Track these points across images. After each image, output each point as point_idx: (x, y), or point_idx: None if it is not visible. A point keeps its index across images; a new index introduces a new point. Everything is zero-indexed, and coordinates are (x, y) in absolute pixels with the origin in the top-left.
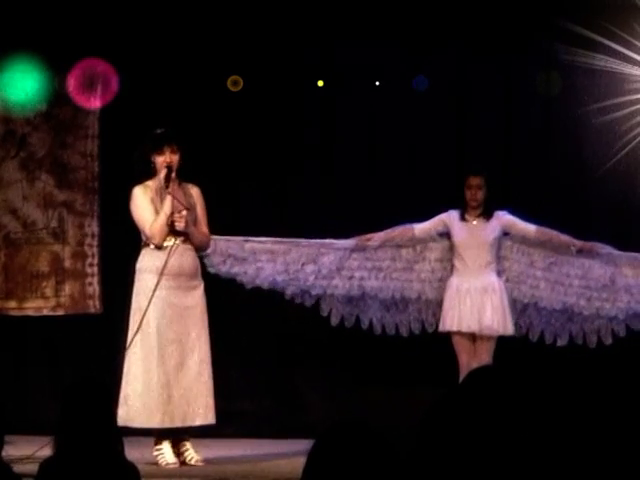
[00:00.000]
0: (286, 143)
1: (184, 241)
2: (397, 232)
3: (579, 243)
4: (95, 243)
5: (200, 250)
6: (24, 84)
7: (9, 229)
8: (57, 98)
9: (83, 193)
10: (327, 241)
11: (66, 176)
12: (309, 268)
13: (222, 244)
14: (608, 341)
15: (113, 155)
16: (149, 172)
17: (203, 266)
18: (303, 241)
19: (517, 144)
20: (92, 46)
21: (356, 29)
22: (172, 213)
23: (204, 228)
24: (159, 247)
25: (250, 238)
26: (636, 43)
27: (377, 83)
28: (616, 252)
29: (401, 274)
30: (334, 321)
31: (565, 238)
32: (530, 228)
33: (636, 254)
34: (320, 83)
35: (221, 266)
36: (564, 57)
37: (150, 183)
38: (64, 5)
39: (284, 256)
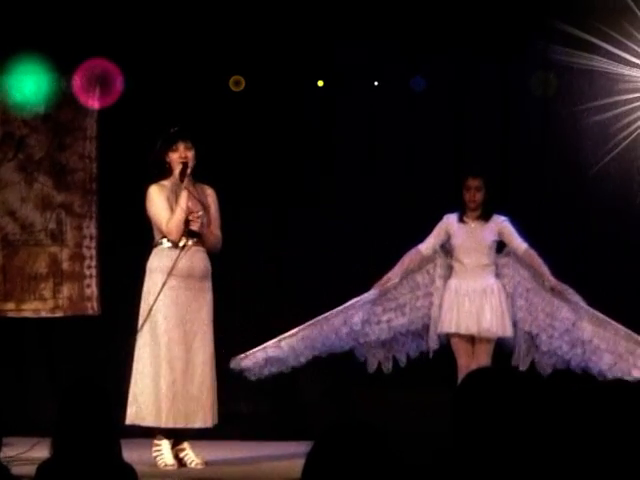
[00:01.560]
0: (286, 143)
1: (196, 242)
2: (408, 260)
3: (553, 281)
4: (93, 245)
5: (212, 252)
6: (29, 85)
7: (7, 231)
8: (56, 100)
9: (81, 195)
10: (352, 302)
11: (64, 178)
12: (342, 331)
13: (259, 354)
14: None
15: (111, 157)
16: (164, 172)
17: (213, 268)
18: (330, 313)
19: (515, 145)
20: (93, 47)
21: (355, 29)
22: (189, 212)
23: (216, 230)
24: (175, 245)
25: (282, 336)
26: (628, 43)
27: (376, 83)
28: (582, 304)
29: (424, 301)
30: (371, 368)
31: (544, 270)
32: (521, 246)
33: (598, 313)
34: (320, 83)
35: (264, 370)
36: (557, 58)
37: (166, 182)
38: (65, 7)
39: (319, 334)
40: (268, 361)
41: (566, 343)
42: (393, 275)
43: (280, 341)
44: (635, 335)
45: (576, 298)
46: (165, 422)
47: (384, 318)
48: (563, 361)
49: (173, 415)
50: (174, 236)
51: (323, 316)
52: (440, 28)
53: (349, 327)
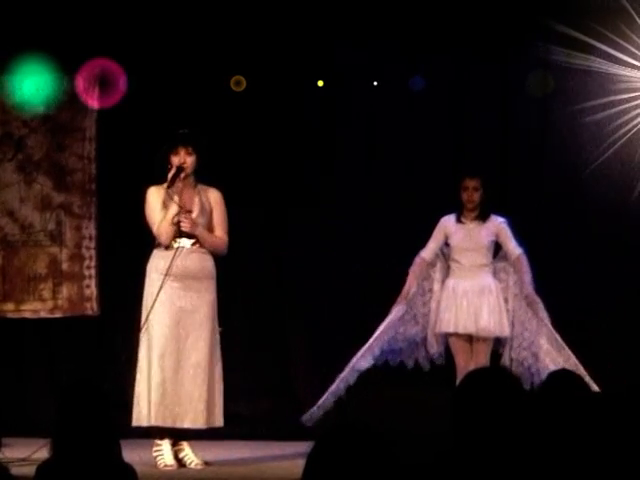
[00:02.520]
0: (286, 143)
1: (194, 243)
2: (418, 269)
3: (528, 290)
4: (92, 245)
5: (215, 254)
6: (30, 86)
7: (6, 232)
8: (57, 100)
9: (80, 195)
10: (386, 323)
11: (63, 178)
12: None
13: (329, 398)
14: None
15: (111, 157)
16: (167, 173)
17: (217, 269)
18: (372, 341)
19: (514, 145)
20: (94, 47)
21: (355, 29)
22: (179, 213)
23: (219, 232)
24: (167, 247)
25: (340, 377)
26: (623, 44)
27: (375, 83)
28: (546, 321)
29: (430, 305)
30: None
31: (525, 278)
32: (514, 252)
33: (557, 335)
34: (320, 83)
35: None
36: (553, 58)
37: (165, 184)
38: (66, 7)
39: (363, 361)
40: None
41: (531, 356)
42: (411, 285)
43: (340, 382)
44: (582, 368)
45: (543, 314)
46: (154, 420)
47: (401, 330)
48: (529, 374)
49: (162, 414)
50: (163, 239)
51: (367, 346)
52: (439, 28)
53: (381, 347)
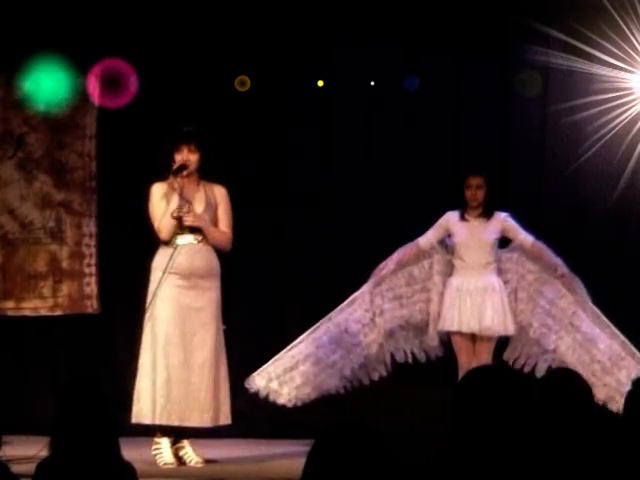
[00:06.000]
0: (285, 142)
1: (200, 240)
2: (403, 252)
3: (565, 270)
4: (93, 243)
5: (220, 250)
6: (34, 84)
7: (6, 229)
8: (62, 99)
9: (81, 193)
10: (351, 298)
11: (64, 176)
12: (353, 327)
13: (271, 369)
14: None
15: (111, 155)
16: (171, 169)
17: (222, 267)
18: (333, 312)
19: (514, 144)
20: (98, 46)
21: (354, 30)
22: (179, 207)
23: (224, 227)
24: (167, 244)
25: (291, 345)
26: (604, 43)
27: (372, 83)
28: (587, 299)
29: (420, 295)
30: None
31: (556, 261)
32: (527, 240)
33: (600, 313)
34: (320, 83)
35: (293, 391)
36: (536, 58)
37: (169, 180)
38: (69, 7)
39: (325, 334)
40: (287, 375)
41: (553, 332)
42: (390, 263)
43: (290, 349)
44: (630, 345)
45: (582, 291)
46: (159, 419)
47: (386, 307)
48: (542, 351)
49: (167, 412)
50: (163, 235)
51: (327, 317)
52: (437, 28)
53: (359, 323)
